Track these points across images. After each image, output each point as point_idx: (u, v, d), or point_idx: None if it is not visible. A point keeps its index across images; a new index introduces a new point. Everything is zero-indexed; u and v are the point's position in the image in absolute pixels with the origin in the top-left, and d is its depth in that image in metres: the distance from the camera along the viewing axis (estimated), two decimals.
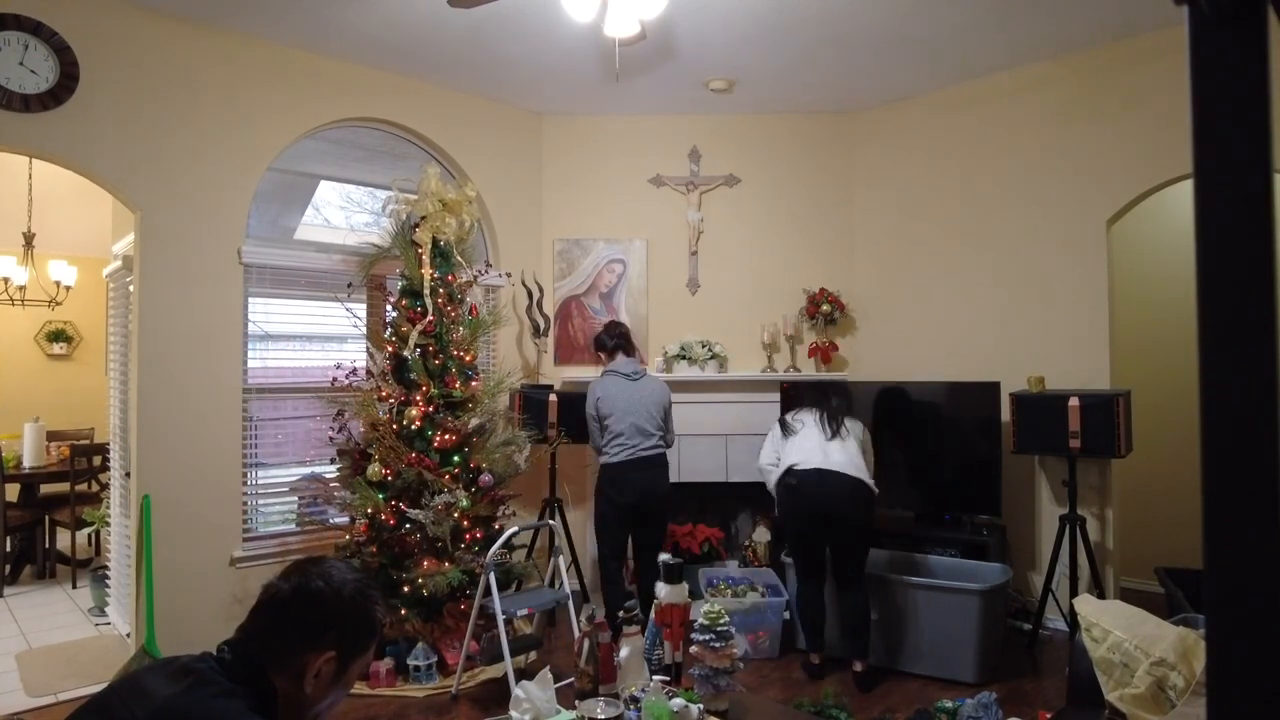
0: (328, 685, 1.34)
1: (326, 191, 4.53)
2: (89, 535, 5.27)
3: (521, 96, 4.94)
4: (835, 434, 3.66)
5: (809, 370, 5.12)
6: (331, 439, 4.03)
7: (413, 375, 3.84)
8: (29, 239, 5.87)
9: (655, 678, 2.29)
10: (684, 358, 5.08)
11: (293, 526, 4.23)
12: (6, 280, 6.03)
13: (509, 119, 5.09)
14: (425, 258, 3.94)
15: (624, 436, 4.05)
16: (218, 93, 3.91)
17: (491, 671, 3.66)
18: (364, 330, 4.31)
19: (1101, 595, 3.92)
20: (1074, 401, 3.81)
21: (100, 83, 3.55)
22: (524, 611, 3.53)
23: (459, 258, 4.12)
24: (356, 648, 1.37)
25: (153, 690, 1.21)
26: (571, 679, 2.61)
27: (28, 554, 5.49)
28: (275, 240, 4.23)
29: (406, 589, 3.59)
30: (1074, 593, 3.76)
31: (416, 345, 3.85)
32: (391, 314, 4.15)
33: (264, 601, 1.36)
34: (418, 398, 3.79)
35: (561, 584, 3.77)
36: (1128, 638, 2.22)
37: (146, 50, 3.69)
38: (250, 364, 4.05)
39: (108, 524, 4.55)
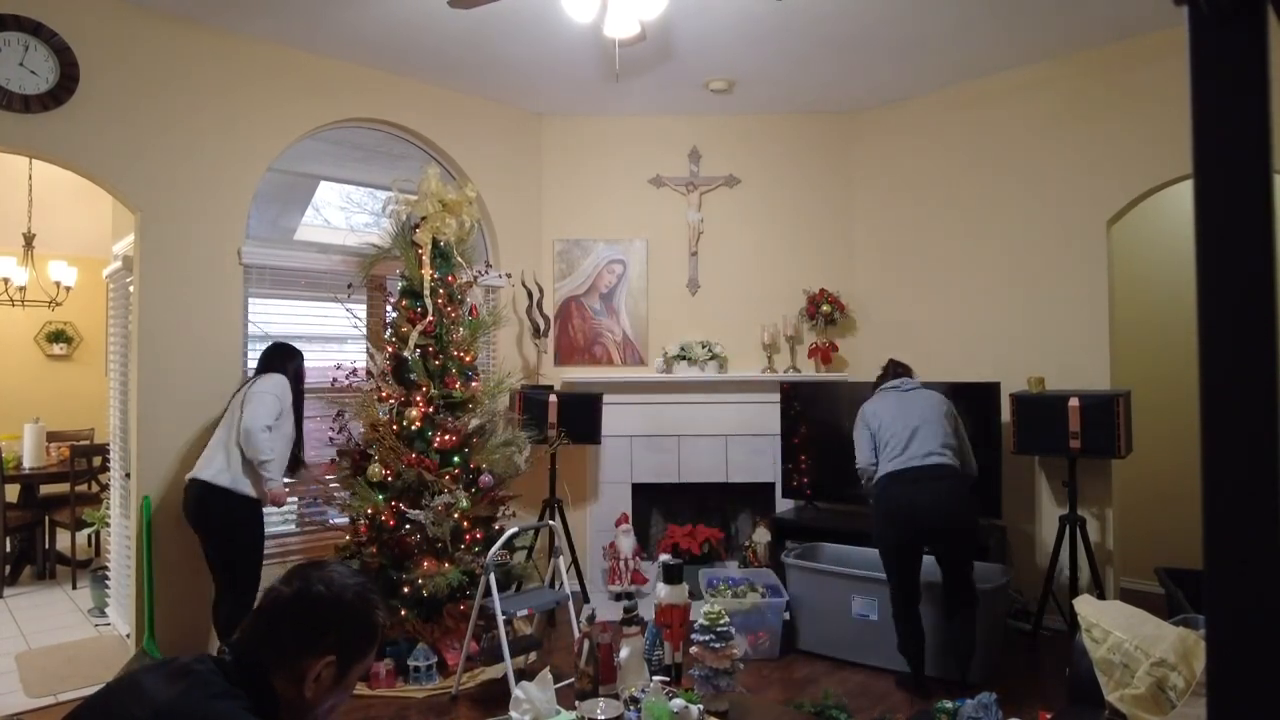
0: (327, 689, 1.33)
1: (326, 192, 4.54)
2: (89, 536, 5.27)
3: (521, 97, 4.94)
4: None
5: (809, 371, 5.12)
6: (331, 439, 4.03)
7: (413, 376, 3.84)
8: (29, 239, 5.87)
9: (655, 678, 2.29)
10: (684, 358, 5.08)
11: (293, 527, 4.23)
12: (6, 281, 6.03)
13: (509, 119, 5.09)
14: (425, 258, 3.94)
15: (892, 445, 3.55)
16: (218, 93, 3.91)
17: (491, 672, 3.66)
18: (364, 331, 4.31)
19: (1101, 595, 3.92)
20: (1074, 402, 3.81)
21: (100, 83, 3.55)
22: (524, 612, 3.53)
23: (459, 258, 4.12)
24: (356, 652, 1.36)
25: (151, 691, 1.21)
26: (571, 679, 2.61)
27: (28, 554, 5.49)
28: (275, 241, 4.23)
29: (406, 590, 3.59)
30: (1074, 593, 3.76)
31: (416, 346, 3.85)
32: (391, 314, 4.15)
33: (265, 604, 1.36)
34: (418, 398, 3.79)
35: (561, 585, 3.77)
36: (1128, 638, 2.22)
37: (146, 51, 3.69)
38: (250, 364, 4.05)
39: (108, 524, 4.55)
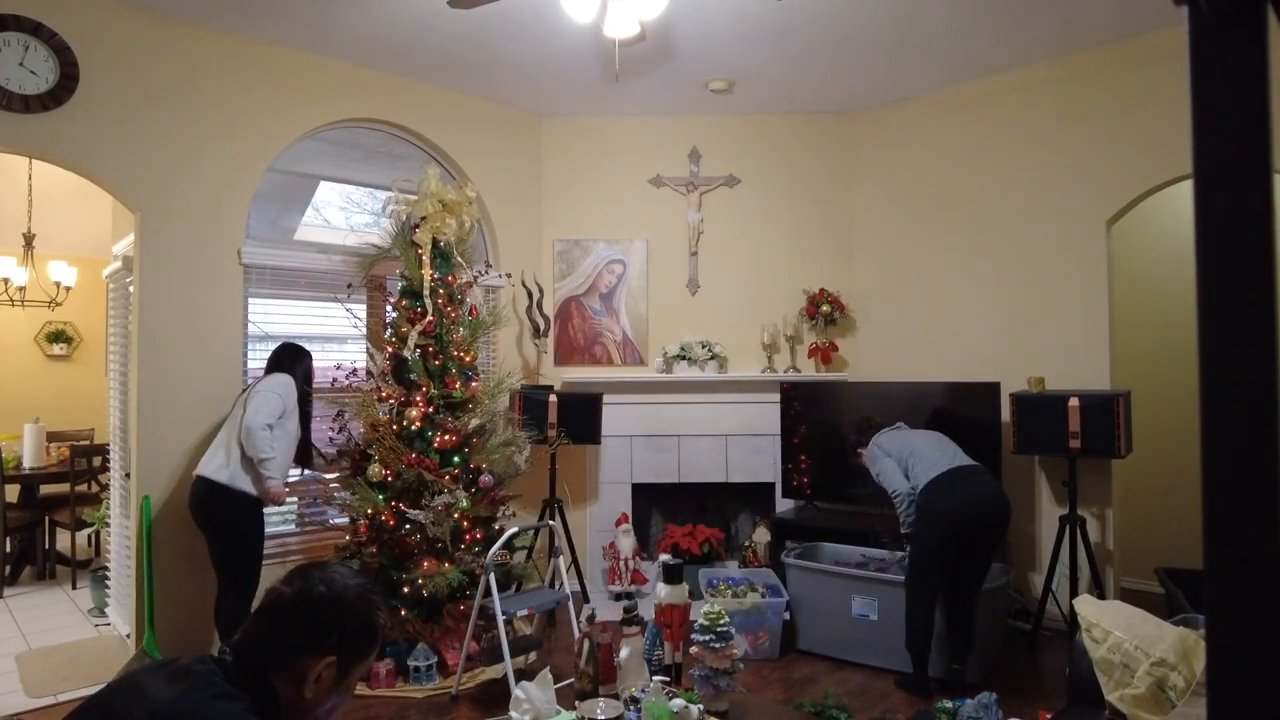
0: (328, 690, 1.33)
1: (326, 192, 4.54)
2: (89, 536, 5.27)
3: (521, 97, 4.94)
4: None
5: (809, 371, 5.12)
6: (331, 439, 4.03)
7: (413, 376, 3.84)
8: (29, 239, 5.87)
9: (655, 678, 2.29)
10: (684, 358, 5.08)
11: (293, 527, 4.23)
12: (6, 281, 6.03)
13: (509, 119, 5.09)
14: (425, 258, 3.94)
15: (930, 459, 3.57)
16: (217, 93, 3.91)
17: (491, 672, 3.66)
18: (364, 331, 4.31)
19: (1101, 595, 3.92)
20: (1074, 402, 3.81)
21: (100, 83, 3.55)
22: (524, 612, 3.53)
23: (459, 258, 4.12)
24: (357, 653, 1.36)
25: (152, 692, 1.21)
26: (571, 679, 2.61)
27: (28, 555, 5.49)
28: (275, 241, 4.23)
29: (407, 590, 3.59)
30: (1074, 593, 3.76)
31: (416, 346, 3.84)
32: (391, 314, 4.15)
33: (267, 605, 1.36)
34: (418, 398, 3.79)
35: (561, 584, 3.77)
36: (1128, 638, 2.22)
37: (146, 51, 3.70)
38: (250, 364, 4.05)
39: (107, 525, 4.55)
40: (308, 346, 3.82)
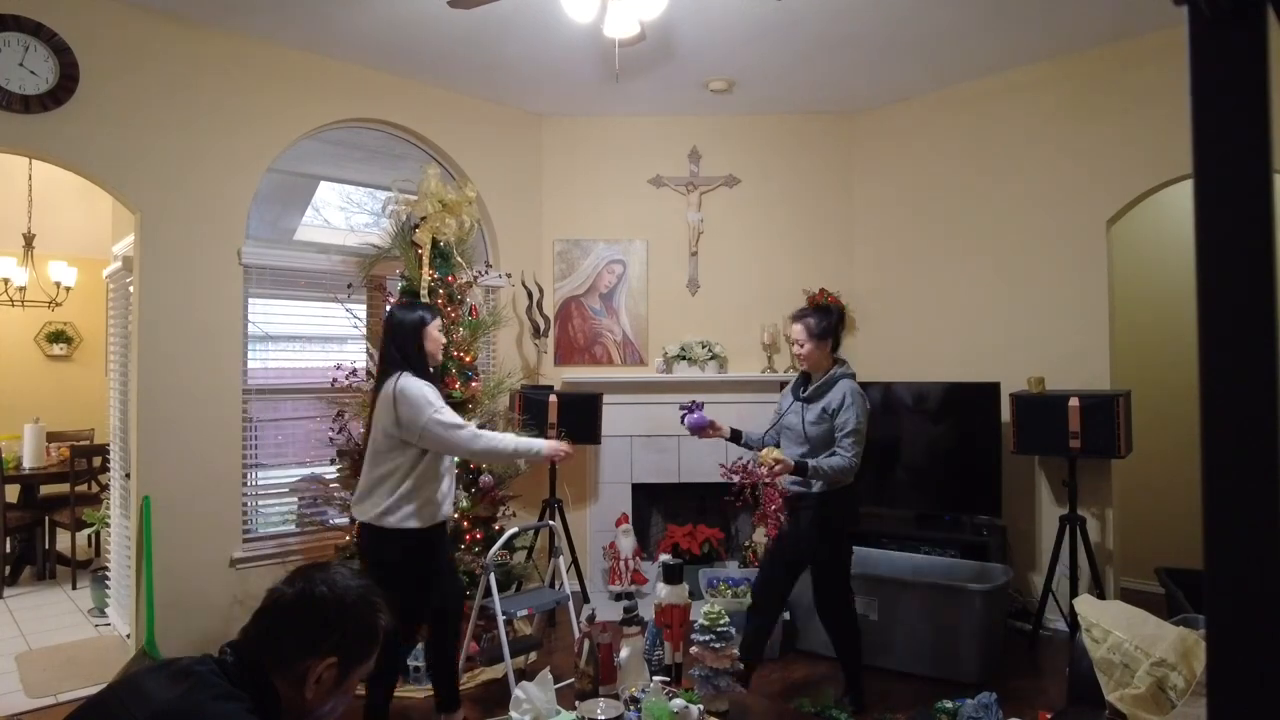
0: (329, 691, 1.33)
1: (326, 192, 4.54)
2: (89, 536, 5.27)
3: (521, 97, 4.94)
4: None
5: None
6: (331, 439, 4.02)
7: None
8: (29, 240, 5.87)
9: (655, 678, 2.29)
10: (684, 358, 5.08)
11: (293, 528, 4.23)
12: (6, 281, 6.03)
13: (509, 119, 5.09)
14: (425, 258, 3.94)
15: None
16: (218, 93, 3.91)
17: (491, 672, 3.66)
18: (364, 331, 4.31)
19: (1101, 595, 3.92)
20: (1074, 402, 3.81)
21: (100, 84, 3.55)
22: (524, 612, 3.53)
23: (459, 258, 4.12)
24: (358, 655, 1.36)
25: (152, 692, 1.21)
26: (571, 680, 2.61)
27: (28, 555, 5.49)
28: (275, 241, 4.23)
29: None
30: (1074, 593, 3.76)
31: None
32: None
33: (268, 605, 1.36)
34: None
35: (562, 585, 3.77)
36: (1128, 638, 2.22)
37: (146, 51, 3.69)
38: (250, 365, 4.05)
39: (108, 525, 4.55)
40: (308, 346, 3.80)
